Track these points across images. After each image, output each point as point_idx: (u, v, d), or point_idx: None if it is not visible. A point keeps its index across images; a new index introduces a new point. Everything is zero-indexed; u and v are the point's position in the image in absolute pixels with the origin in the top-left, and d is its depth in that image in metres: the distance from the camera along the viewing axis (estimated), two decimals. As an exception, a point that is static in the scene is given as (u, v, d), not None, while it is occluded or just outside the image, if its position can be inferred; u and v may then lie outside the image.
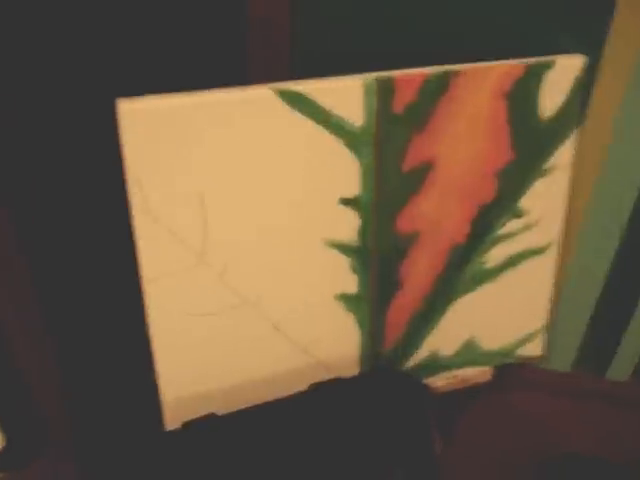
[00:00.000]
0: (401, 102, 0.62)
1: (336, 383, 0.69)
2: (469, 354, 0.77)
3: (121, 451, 0.71)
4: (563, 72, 0.66)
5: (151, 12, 0.65)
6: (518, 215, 0.71)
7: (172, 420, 0.67)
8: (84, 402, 0.77)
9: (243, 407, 0.66)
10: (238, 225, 0.62)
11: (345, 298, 0.69)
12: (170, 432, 0.66)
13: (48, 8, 0.61)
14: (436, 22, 0.68)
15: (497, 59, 0.65)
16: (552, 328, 0.84)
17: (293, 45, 0.69)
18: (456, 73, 0.63)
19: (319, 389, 0.68)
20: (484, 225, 0.70)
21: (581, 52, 0.67)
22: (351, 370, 0.73)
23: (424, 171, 0.66)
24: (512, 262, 0.73)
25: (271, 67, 0.69)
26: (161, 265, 0.61)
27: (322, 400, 0.67)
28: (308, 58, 0.70)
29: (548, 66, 0.65)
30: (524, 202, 0.70)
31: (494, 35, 0.68)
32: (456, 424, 0.81)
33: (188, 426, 0.65)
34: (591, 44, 0.68)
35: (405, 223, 0.67)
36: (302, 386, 0.68)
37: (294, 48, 0.69)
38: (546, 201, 0.71)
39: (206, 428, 0.64)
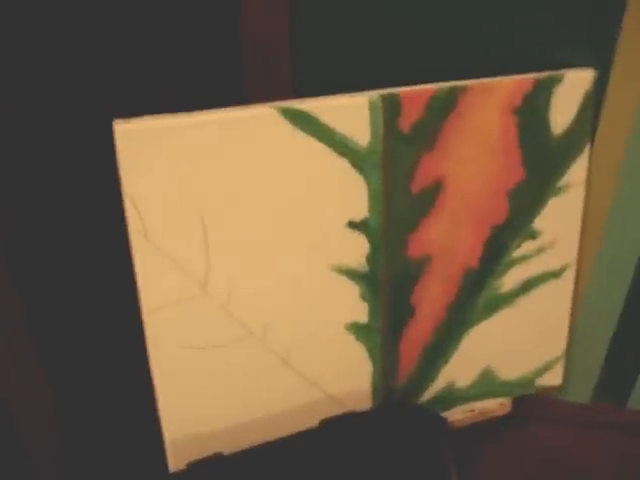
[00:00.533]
0: (408, 120, 0.60)
1: (348, 418, 0.65)
2: (486, 385, 0.74)
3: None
4: (572, 86, 0.64)
5: (149, 35, 0.63)
6: (532, 236, 0.68)
7: (176, 461, 0.63)
8: (82, 442, 0.73)
9: (251, 446, 0.63)
10: (242, 251, 0.59)
11: (355, 328, 0.65)
12: (174, 474, 0.62)
13: (46, 31, 0.59)
14: (442, 38, 0.66)
15: (505, 74, 0.63)
16: (569, 357, 0.81)
17: (294, 64, 0.67)
18: (463, 89, 0.61)
19: (331, 425, 0.65)
20: (497, 247, 0.67)
21: (590, 66, 0.65)
22: (363, 404, 0.69)
23: (434, 192, 0.63)
24: (527, 287, 0.70)
25: (272, 87, 0.67)
26: (161, 294, 0.58)
27: (334, 437, 0.63)
28: (310, 77, 0.68)
29: (557, 80, 0.63)
30: (538, 223, 0.68)
31: (502, 50, 0.66)
32: (475, 459, 0.77)
33: (193, 467, 0.61)
34: (600, 58, 0.66)
35: (416, 247, 0.65)
36: (313, 422, 0.65)
37: (295, 67, 0.67)
38: (561, 221, 0.69)
39: (212, 469, 0.61)
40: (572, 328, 0.79)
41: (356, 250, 0.63)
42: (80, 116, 0.63)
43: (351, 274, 0.63)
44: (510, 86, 0.62)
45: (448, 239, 0.65)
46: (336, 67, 0.68)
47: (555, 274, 0.71)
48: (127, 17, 0.62)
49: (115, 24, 0.62)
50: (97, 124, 0.62)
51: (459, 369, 0.72)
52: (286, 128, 0.57)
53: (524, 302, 0.71)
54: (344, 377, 0.67)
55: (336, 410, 0.68)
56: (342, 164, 0.59)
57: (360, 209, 0.61)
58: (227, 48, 0.67)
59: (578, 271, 0.75)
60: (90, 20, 0.61)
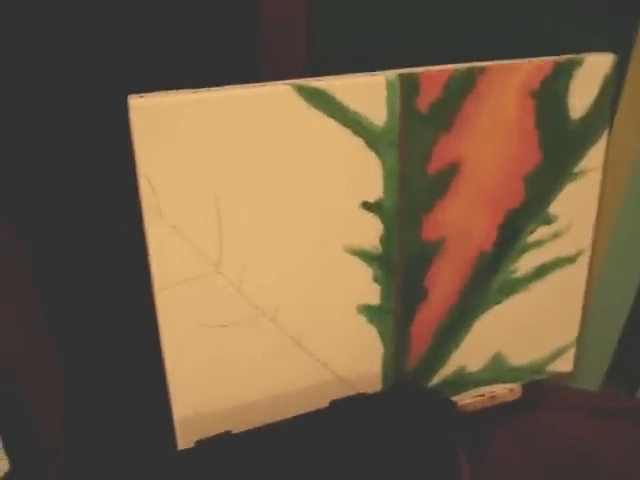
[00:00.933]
0: (426, 100, 0.59)
1: (358, 400, 0.65)
2: (497, 370, 0.73)
3: (131, 472, 0.67)
4: (592, 70, 0.63)
5: (168, 10, 0.63)
6: (547, 221, 0.67)
7: (185, 439, 0.63)
8: (91, 421, 0.73)
9: (260, 425, 0.63)
10: (255, 230, 0.58)
11: (367, 309, 0.65)
12: (183, 451, 0.62)
13: (63, 4, 0.59)
14: (463, 19, 0.65)
15: (524, 57, 0.62)
16: (580, 344, 0.80)
17: (310, 43, 0.66)
18: (482, 70, 0.60)
19: (340, 406, 0.64)
20: (512, 232, 0.67)
21: (610, 50, 0.64)
22: (374, 386, 0.69)
23: (450, 174, 0.62)
24: (542, 272, 0.70)
25: (287, 65, 0.66)
26: (174, 272, 0.58)
27: (343, 418, 0.63)
28: (326, 56, 0.67)
29: (577, 64, 0.63)
30: (554, 208, 0.67)
31: (522, 33, 0.66)
32: (484, 444, 0.77)
33: (202, 445, 0.61)
34: (621, 43, 0.65)
35: (430, 230, 0.64)
36: (322, 403, 0.65)
37: (312, 46, 0.66)
38: (576, 207, 0.68)
39: (221, 447, 0.61)
40: (584, 314, 0.79)
41: (370, 231, 0.62)
42: (96, 92, 0.63)
43: (364, 255, 0.63)
44: (529, 69, 0.61)
45: (463, 222, 0.65)
46: (354, 47, 0.67)
47: (570, 259, 0.70)
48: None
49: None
50: (112, 100, 0.61)
51: (470, 353, 0.71)
52: (301, 106, 0.56)
53: (538, 287, 0.70)
54: (355, 359, 0.67)
55: (346, 392, 0.67)
56: (357, 143, 0.59)
57: (375, 190, 0.61)
58: (245, 25, 0.66)
59: (592, 257, 0.74)
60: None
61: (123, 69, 0.62)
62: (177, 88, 0.54)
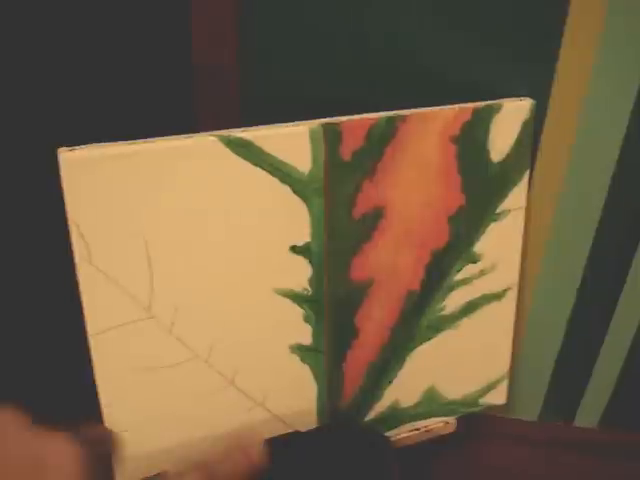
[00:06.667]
0: (348, 148, 0.62)
1: (292, 438, 0.67)
2: (431, 404, 0.75)
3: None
4: (511, 115, 0.67)
5: (99, 61, 0.65)
6: (473, 260, 0.70)
7: (122, 479, 0.65)
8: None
9: (196, 465, 0.64)
10: (185, 276, 0.60)
11: (299, 349, 0.67)
12: (119, 493, 0.64)
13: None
14: (385, 69, 0.68)
15: (445, 104, 0.65)
16: (516, 376, 0.83)
17: (243, 93, 0.69)
18: (402, 118, 0.63)
19: (274, 444, 0.66)
20: (439, 271, 0.69)
21: (529, 96, 0.68)
22: (309, 424, 0.70)
23: (375, 218, 0.65)
24: (470, 309, 0.72)
25: (221, 116, 0.69)
26: (106, 318, 0.59)
27: (277, 457, 0.65)
28: (259, 106, 0.70)
29: (496, 110, 0.66)
30: (479, 247, 0.70)
31: (442, 81, 0.69)
32: (422, 479, 0.78)
33: (138, 487, 0.62)
34: (538, 88, 0.68)
35: (358, 271, 0.67)
36: (258, 442, 0.66)
37: (244, 96, 0.69)
38: (501, 246, 0.71)
39: (157, 488, 0.62)
40: (518, 347, 0.81)
41: (299, 274, 0.64)
42: (28, 142, 0.64)
43: (295, 297, 0.65)
44: (448, 115, 0.64)
45: (390, 263, 0.67)
46: (285, 97, 0.70)
47: (497, 296, 0.73)
48: (78, 45, 0.64)
49: (68, 51, 0.64)
50: (44, 148, 0.63)
51: (403, 389, 0.73)
52: (229, 156, 0.58)
53: (467, 323, 0.73)
54: (290, 397, 0.69)
55: (282, 430, 0.69)
56: (285, 190, 0.61)
57: (302, 234, 0.63)
58: (178, 78, 0.69)
59: (522, 292, 0.77)
60: (42, 43, 0.62)
61: (56, 122, 0.64)
62: (115, 140, 0.56)
